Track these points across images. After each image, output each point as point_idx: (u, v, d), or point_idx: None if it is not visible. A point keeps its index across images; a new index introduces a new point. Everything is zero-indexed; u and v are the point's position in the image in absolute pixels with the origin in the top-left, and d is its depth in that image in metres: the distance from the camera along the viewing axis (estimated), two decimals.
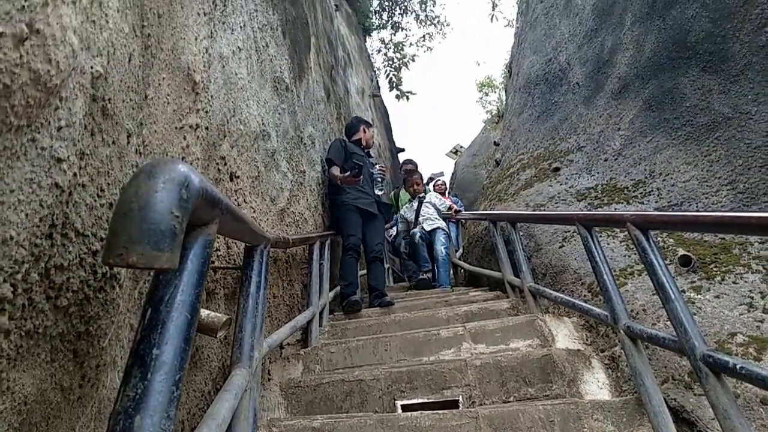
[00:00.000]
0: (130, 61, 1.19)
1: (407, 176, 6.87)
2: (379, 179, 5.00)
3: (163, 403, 0.68)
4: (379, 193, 4.98)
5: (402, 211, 6.81)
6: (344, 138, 5.28)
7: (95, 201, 0.94)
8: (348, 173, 4.45)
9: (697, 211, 2.47)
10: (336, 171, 4.64)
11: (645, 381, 2.02)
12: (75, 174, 0.84)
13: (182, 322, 0.76)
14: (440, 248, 5.91)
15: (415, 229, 6.19)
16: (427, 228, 6.14)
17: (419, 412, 2.16)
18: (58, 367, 0.85)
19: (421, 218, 6.28)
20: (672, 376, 2.15)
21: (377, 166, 5.10)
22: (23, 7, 0.64)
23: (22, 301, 0.74)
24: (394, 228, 7.58)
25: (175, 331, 0.74)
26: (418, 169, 7.47)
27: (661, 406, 1.94)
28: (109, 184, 0.98)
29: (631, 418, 2.04)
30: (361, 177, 4.49)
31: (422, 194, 6.58)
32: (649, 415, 1.96)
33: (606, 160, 3.98)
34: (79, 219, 0.88)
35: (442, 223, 6.20)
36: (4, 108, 0.64)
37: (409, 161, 7.71)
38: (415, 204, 6.53)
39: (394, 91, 14.05)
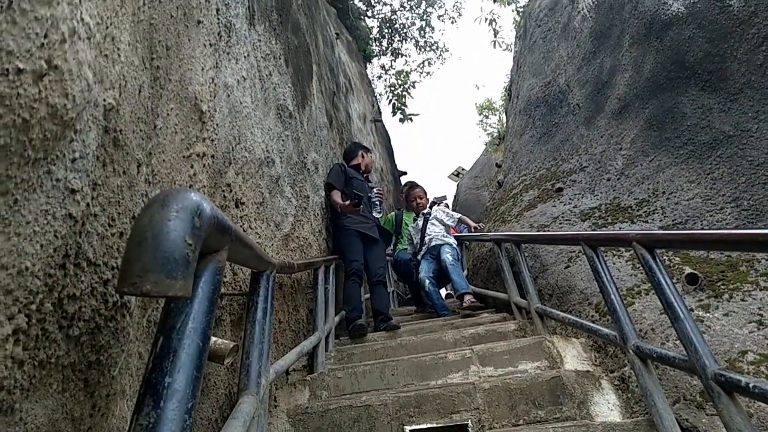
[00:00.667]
0: (140, 92, 1.22)
1: (408, 191, 6.08)
2: (377, 202, 5.05)
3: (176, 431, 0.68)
4: (378, 215, 5.02)
5: (408, 231, 6.07)
6: (343, 163, 5.33)
7: (106, 230, 0.95)
8: (348, 202, 4.50)
9: (703, 229, 2.48)
10: (337, 196, 4.69)
11: (656, 401, 2.00)
12: (88, 204, 0.85)
13: (194, 349, 0.76)
14: (446, 257, 5.16)
15: (422, 275, 5.31)
16: (433, 244, 5.41)
17: None
18: (69, 396, 0.85)
19: (427, 238, 5.49)
20: (683, 396, 2.13)
21: (374, 189, 5.15)
22: (43, 44, 0.66)
23: (36, 332, 0.74)
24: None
25: (187, 359, 0.75)
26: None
27: (674, 427, 1.92)
28: (119, 213, 1.00)
29: None
30: (361, 206, 4.53)
31: (427, 211, 5.78)
32: None
33: (609, 179, 3.99)
34: (91, 249, 0.89)
35: (450, 240, 5.44)
36: (23, 142, 0.66)
37: (409, 182, 7.45)
38: (420, 222, 5.72)
39: (397, 115, 14.21)
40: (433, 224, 5.58)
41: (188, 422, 0.70)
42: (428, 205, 5.99)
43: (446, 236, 5.44)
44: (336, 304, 4.28)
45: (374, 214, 4.97)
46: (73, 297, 0.84)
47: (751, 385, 1.53)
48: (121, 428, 1.11)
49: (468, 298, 4.69)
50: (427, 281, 5.18)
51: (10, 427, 0.70)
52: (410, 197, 6.01)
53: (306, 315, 3.92)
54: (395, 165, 13.29)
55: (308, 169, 4.42)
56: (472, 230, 5.61)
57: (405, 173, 13.54)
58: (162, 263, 0.62)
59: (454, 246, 5.41)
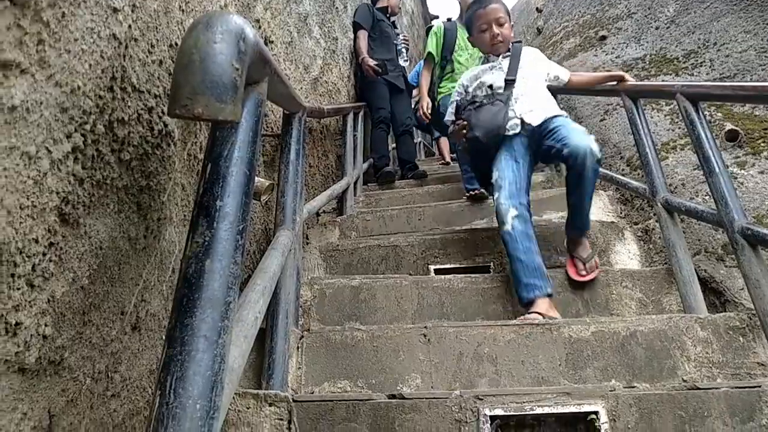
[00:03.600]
0: None
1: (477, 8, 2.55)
2: (403, 50, 4.81)
3: (229, 249, 0.73)
4: (404, 64, 4.80)
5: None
6: (370, 3, 5.00)
7: (147, 57, 0.93)
8: (374, 63, 4.36)
9: (761, 80, 2.34)
10: (363, 39, 4.47)
11: (677, 252, 2.05)
12: (129, 26, 0.83)
13: (242, 177, 0.79)
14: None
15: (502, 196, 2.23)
16: (533, 121, 2.22)
17: (452, 275, 2.26)
18: (124, 218, 0.90)
19: (516, 94, 2.32)
20: (705, 249, 2.18)
21: (400, 36, 4.88)
22: None
23: (91, 152, 0.77)
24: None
25: (235, 185, 0.77)
26: None
27: (692, 276, 1.99)
28: (158, 40, 0.97)
29: (659, 286, 2.10)
30: (381, 73, 4.40)
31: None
32: (678, 284, 2.01)
33: (657, 28, 3.72)
34: (134, 74, 0.88)
35: (558, 111, 2.30)
36: None
37: None
38: (503, 63, 2.43)
39: None
40: (528, 69, 2.44)
41: (240, 242, 0.75)
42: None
43: (551, 99, 2.41)
44: (363, 152, 4.31)
45: (400, 62, 4.76)
46: (122, 121, 0.85)
47: None
48: (171, 250, 1.19)
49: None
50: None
51: (77, 239, 0.75)
52: (478, 19, 2.51)
53: (335, 161, 3.97)
54: (427, 8, 12.49)
55: (337, 7, 4.19)
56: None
57: (437, 17, 12.77)
58: (211, 86, 0.62)
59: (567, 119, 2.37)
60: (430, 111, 3.83)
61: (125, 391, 1.08)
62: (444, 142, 5.85)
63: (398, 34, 4.90)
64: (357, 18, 4.58)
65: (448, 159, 5.59)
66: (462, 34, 3.70)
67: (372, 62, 4.34)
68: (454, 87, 2.91)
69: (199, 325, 0.66)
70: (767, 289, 1.58)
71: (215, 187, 0.75)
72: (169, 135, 1.06)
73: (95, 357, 0.92)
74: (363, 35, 4.50)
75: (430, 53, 3.91)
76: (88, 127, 0.75)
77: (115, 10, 0.78)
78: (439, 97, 3.75)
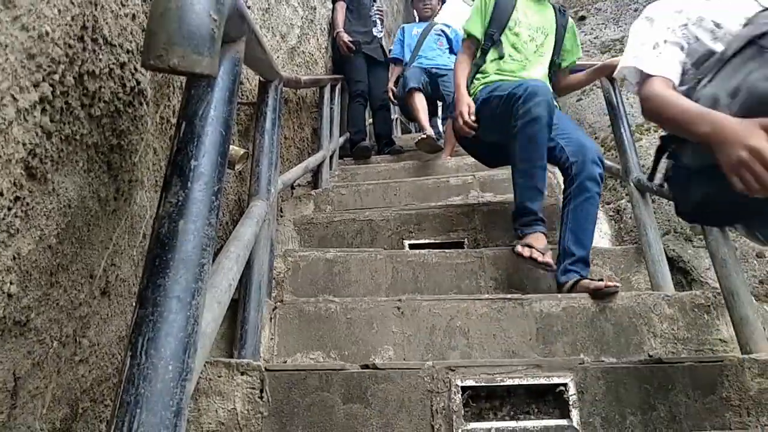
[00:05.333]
0: None
1: None
2: (378, 21, 4.70)
3: (204, 210, 0.71)
4: (378, 35, 4.71)
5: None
6: None
7: (120, 9, 0.89)
8: (348, 39, 4.30)
9: None
10: (341, 11, 4.38)
11: (648, 232, 2.09)
12: None
13: (217, 137, 0.76)
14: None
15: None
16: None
17: (426, 250, 2.27)
18: (94, 177, 0.87)
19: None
20: (674, 229, 2.22)
21: (375, 6, 4.76)
22: None
23: (60, 104, 0.73)
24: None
25: (210, 145, 0.75)
26: None
27: (660, 255, 2.03)
28: None
29: (629, 264, 2.14)
30: (354, 50, 4.34)
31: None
32: (647, 263, 2.05)
33: (636, 10, 3.73)
34: (106, 26, 0.84)
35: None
36: None
37: None
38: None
39: None
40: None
41: (215, 203, 0.73)
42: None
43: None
44: (340, 126, 4.27)
45: (375, 33, 4.66)
46: (93, 74, 0.81)
47: None
48: (142, 215, 1.16)
49: None
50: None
51: (45, 195, 0.72)
52: None
53: (311, 134, 3.92)
54: None
55: None
56: None
57: None
58: (188, 36, 0.59)
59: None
60: (473, 117, 2.27)
61: (93, 357, 1.06)
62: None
63: (374, 3, 4.79)
64: None
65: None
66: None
67: (346, 38, 4.26)
68: (501, 80, 2.29)
69: (173, 285, 0.65)
70: (733, 269, 1.62)
71: (189, 146, 0.72)
72: (141, 93, 1.02)
73: (63, 320, 0.90)
74: (341, 7, 4.41)
75: (471, 35, 2.48)
76: (56, 77, 0.72)
77: None
78: (479, 89, 2.40)
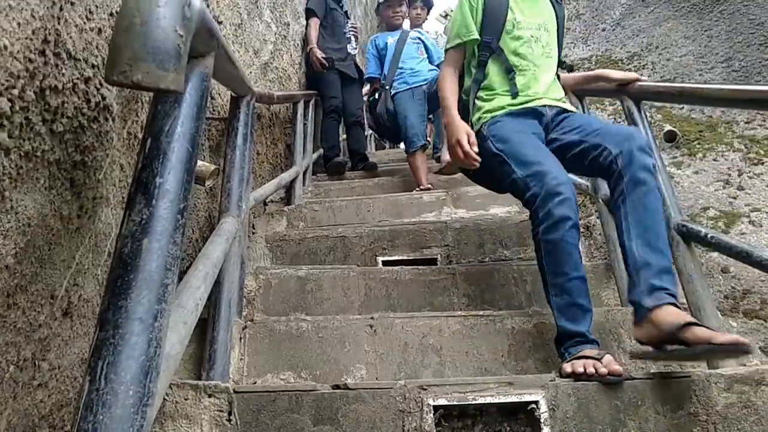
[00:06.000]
0: None
1: None
2: (352, 37, 4.74)
3: (169, 228, 0.69)
4: (353, 52, 4.74)
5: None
6: None
7: (85, 23, 0.87)
8: (322, 56, 4.28)
9: (697, 82, 2.45)
10: (314, 27, 4.39)
11: (616, 248, 2.11)
12: None
13: (184, 153, 0.75)
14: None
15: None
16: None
17: (399, 267, 2.26)
18: (56, 194, 0.85)
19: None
20: None
21: (349, 23, 4.81)
22: None
23: (19, 120, 0.71)
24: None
25: (177, 162, 0.73)
26: None
27: None
28: (97, 6, 0.91)
29: (598, 280, 2.17)
30: (327, 66, 4.32)
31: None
32: (616, 279, 2.08)
33: (604, 30, 3.83)
34: (70, 40, 0.82)
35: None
36: None
37: None
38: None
39: None
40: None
41: (181, 221, 0.71)
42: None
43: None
44: (314, 142, 4.26)
45: (349, 50, 4.69)
46: (55, 89, 0.79)
47: (709, 236, 1.63)
48: (107, 233, 1.13)
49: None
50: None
51: (2, 214, 0.70)
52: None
53: (284, 149, 3.90)
54: None
55: None
56: None
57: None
58: (153, 52, 0.58)
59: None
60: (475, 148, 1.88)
61: (54, 381, 1.02)
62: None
63: (347, 21, 4.82)
64: (310, 4, 4.50)
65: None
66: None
67: (320, 54, 4.27)
68: (512, 109, 1.91)
69: (135, 307, 0.63)
70: (699, 284, 1.66)
71: (155, 163, 0.71)
72: (107, 109, 1.00)
73: (20, 343, 0.86)
74: (315, 23, 4.42)
75: (467, 40, 2.03)
76: (15, 92, 0.69)
77: None
78: (484, 120, 1.95)
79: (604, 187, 2.24)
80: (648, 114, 2.82)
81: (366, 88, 4.80)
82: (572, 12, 4.26)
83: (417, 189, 3.39)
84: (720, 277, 2.00)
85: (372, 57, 4.06)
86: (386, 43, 3.99)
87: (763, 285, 1.92)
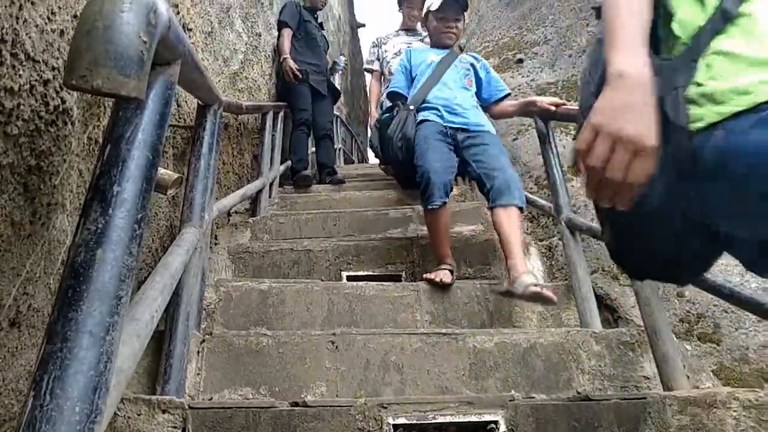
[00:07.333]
0: None
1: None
2: (339, 73, 4.83)
3: (125, 238, 0.67)
4: (337, 84, 4.81)
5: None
6: (299, 2, 4.90)
7: (46, 24, 0.85)
8: (295, 67, 4.27)
9: None
10: (287, 38, 4.37)
11: (577, 270, 2.16)
12: None
13: (144, 161, 0.73)
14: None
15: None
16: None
17: (364, 282, 2.25)
18: (8, 199, 0.81)
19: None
20: (602, 267, 2.31)
21: (342, 57, 4.89)
22: None
23: None
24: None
25: (136, 170, 0.71)
26: None
27: (589, 292, 2.10)
28: (60, 7, 0.89)
29: (559, 301, 2.19)
30: (300, 78, 4.31)
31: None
32: (576, 300, 2.11)
33: (570, 56, 3.94)
34: (29, 40, 0.79)
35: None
36: None
37: None
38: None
39: None
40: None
41: (138, 232, 0.69)
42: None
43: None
44: (282, 154, 4.23)
45: (335, 81, 4.75)
46: (10, 91, 0.76)
47: None
48: (62, 241, 1.09)
49: None
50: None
51: None
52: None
53: (251, 160, 3.86)
54: (354, 16, 12.57)
55: (262, 3, 4.10)
56: None
57: (363, 25, 12.87)
58: (115, 57, 0.56)
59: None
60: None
61: None
62: None
63: (341, 54, 4.88)
64: (283, 16, 4.49)
65: None
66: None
67: (293, 65, 4.26)
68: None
69: (85, 319, 0.60)
70: (655, 307, 1.69)
71: (113, 171, 0.69)
72: (66, 113, 0.97)
73: None
74: (287, 34, 4.41)
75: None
76: None
77: None
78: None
79: (566, 210, 2.28)
80: None
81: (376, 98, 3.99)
82: (540, 38, 4.37)
83: (440, 269, 2.28)
84: (676, 300, 2.05)
85: (403, 70, 2.87)
86: (427, 60, 2.77)
87: (716, 309, 1.99)
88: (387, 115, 2.71)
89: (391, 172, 3.14)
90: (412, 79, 2.76)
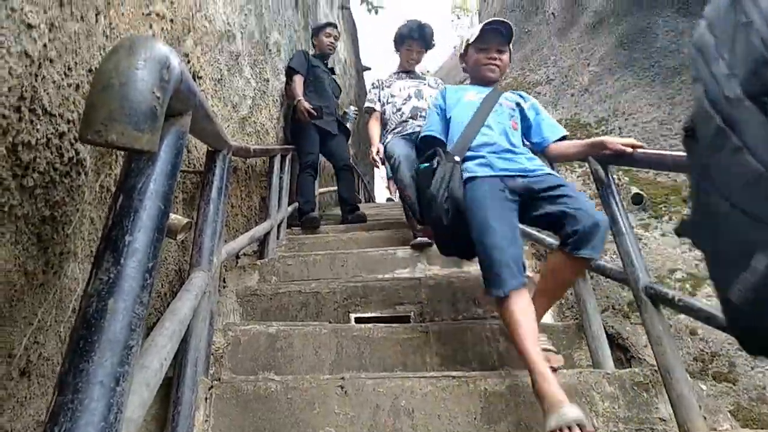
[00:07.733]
0: None
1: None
2: (350, 120, 4.96)
3: (136, 288, 0.68)
4: (349, 126, 4.94)
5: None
6: (307, 51, 5.04)
7: (63, 80, 0.88)
8: (309, 105, 4.35)
9: (662, 149, 2.54)
10: (299, 83, 4.48)
11: (587, 308, 2.13)
12: (45, 45, 0.78)
13: (155, 211, 0.74)
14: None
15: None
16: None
17: (372, 324, 2.23)
18: (22, 249, 0.82)
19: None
20: (612, 306, 2.28)
21: (352, 107, 5.02)
22: None
23: None
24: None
25: (148, 220, 0.73)
26: None
27: (600, 331, 2.07)
28: (76, 63, 0.92)
29: (570, 341, 2.17)
30: (316, 117, 4.40)
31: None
32: (587, 339, 2.09)
33: (572, 95, 4.00)
34: (47, 96, 0.82)
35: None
36: None
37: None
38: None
39: (364, 5, 13.50)
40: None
41: (149, 281, 0.70)
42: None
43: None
44: (289, 195, 4.27)
45: (348, 124, 4.87)
46: (28, 145, 0.79)
47: (677, 299, 1.66)
48: (73, 289, 1.10)
49: None
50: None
51: None
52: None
53: (259, 202, 3.90)
54: (359, 59, 12.86)
55: (270, 50, 4.21)
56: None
57: (369, 69, 13.15)
58: (129, 113, 0.58)
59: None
60: None
61: None
62: None
63: (351, 105, 5.01)
64: (292, 63, 4.61)
65: None
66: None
67: (308, 105, 4.35)
68: None
69: (96, 370, 0.61)
70: (668, 346, 1.67)
71: (125, 221, 0.70)
72: (80, 163, 0.99)
73: None
74: (299, 79, 4.51)
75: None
76: None
77: (30, 26, 0.73)
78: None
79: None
80: (616, 177, 2.92)
81: (376, 136, 3.70)
82: (542, 77, 4.45)
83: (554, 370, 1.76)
84: (689, 338, 2.02)
85: (438, 111, 2.44)
86: (463, 99, 2.37)
87: (730, 348, 1.95)
88: (426, 165, 2.16)
89: (419, 229, 3.08)
90: (447, 121, 2.34)
